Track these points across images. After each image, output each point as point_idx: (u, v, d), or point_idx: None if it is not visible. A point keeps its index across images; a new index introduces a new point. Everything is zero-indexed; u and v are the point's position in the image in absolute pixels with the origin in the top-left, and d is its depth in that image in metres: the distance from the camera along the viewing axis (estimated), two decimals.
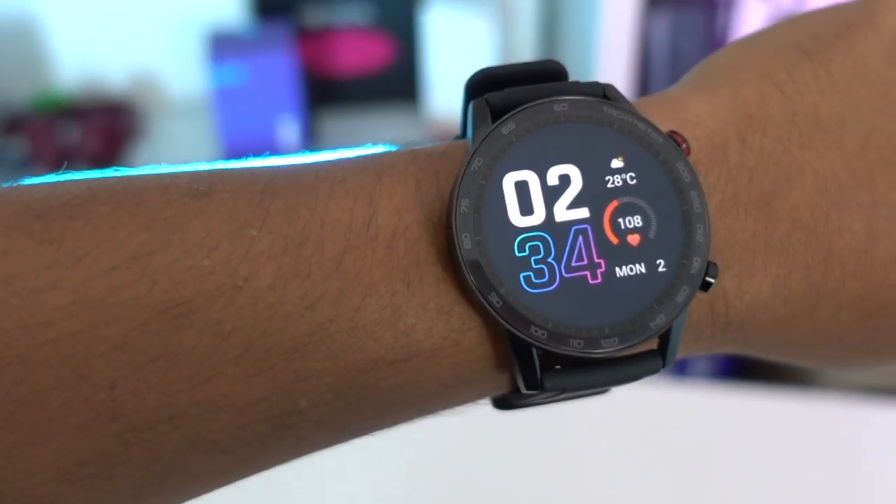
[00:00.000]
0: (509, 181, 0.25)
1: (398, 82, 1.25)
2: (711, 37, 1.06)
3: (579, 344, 0.24)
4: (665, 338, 0.25)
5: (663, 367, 0.25)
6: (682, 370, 1.27)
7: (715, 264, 0.25)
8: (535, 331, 0.24)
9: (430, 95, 1.19)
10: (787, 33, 0.29)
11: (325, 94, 1.25)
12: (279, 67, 1.14)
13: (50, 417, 0.22)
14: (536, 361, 0.24)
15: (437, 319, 0.24)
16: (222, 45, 1.15)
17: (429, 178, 0.25)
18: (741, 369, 1.29)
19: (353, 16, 1.22)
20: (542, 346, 0.24)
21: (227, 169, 0.25)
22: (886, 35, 0.28)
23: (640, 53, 1.03)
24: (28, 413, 0.22)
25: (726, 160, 0.27)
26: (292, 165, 0.26)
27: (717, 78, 0.28)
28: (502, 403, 0.28)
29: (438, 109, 1.19)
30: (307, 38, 1.22)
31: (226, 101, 1.14)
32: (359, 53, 1.23)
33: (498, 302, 0.24)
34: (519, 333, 0.24)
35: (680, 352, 0.26)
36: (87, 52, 1.25)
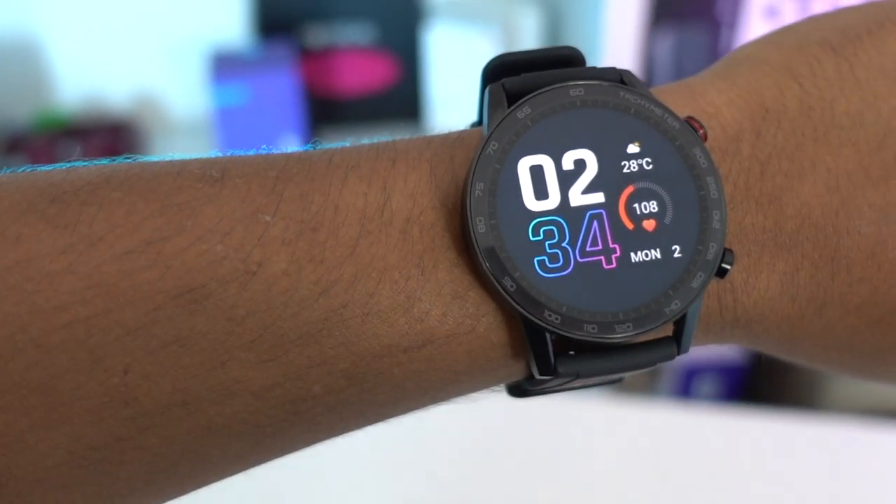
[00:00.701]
0: (524, 165, 0.25)
1: (400, 102, 1.25)
2: (715, 56, 1.07)
3: (593, 329, 0.24)
4: (680, 324, 0.25)
5: (678, 353, 0.25)
6: (686, 391, 1.26)
7: (731, 251, 0.25)
8: (549, 315, 0.24)
9: (433, 115, 1.20)
10: (816, 27, 0.29)
11: (328, 113, 1.25)
12: (281, 87, 1.14)
13: (63, 401, 0.22)
14: (550, 346, 0.24)
15: (452, 305, 0.24)
16: (224, 65, 1.15)
17: (443, 163, 0.26)
18: (745, 391, 1.28)
19: (354, 36, 1.22)
20: (556, 330, 0.24)
21: (240, 155, 0.25)
22: None
23: (643, 72, 1.03)
24: (41, 397, 0.22)
25: (739, 152, 0.26)
26: (306, 151, 0.26)
27: (738, 69, 0.28)
28: (516, 390, 0.28)
29: (441, 129, 1.19)
30: (309, 57, 1.22)
31: (227, 120, 1.14)
32: (361, 73, 1.24)
33: (512, 286, 0.24)
34: (532, 318, 0.24)
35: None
36: (88, 72, 1.25)
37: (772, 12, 1.05)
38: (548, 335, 0.24)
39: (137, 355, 0.22)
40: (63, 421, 0.22)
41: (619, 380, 0.27)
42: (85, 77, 1.25)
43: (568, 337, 0.24)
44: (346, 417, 0.25)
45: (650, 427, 0.80)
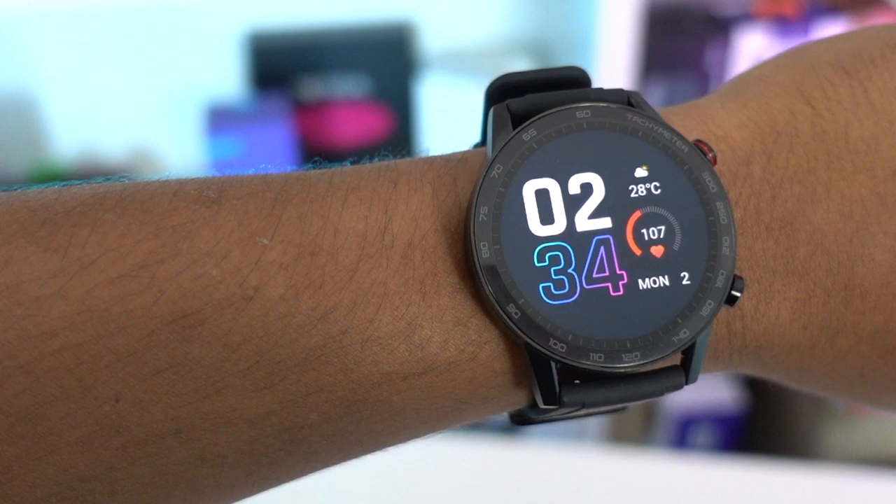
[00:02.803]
0: (529, 189, 0.24)
1: (394, 153, 1.25)
2: None
3: (599, 358, 0.23)
4: (688, 353, 0.24)
5: (686, 383, 0.25)
6: (681, 441, 1.25)
7: (741, 278, 0.24)
8: (554, 343, 0.23)
9: None
10: (828, 49, 0.28)
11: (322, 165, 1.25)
12: (276, 139, 1.14)
13: (51, 430, 0.21)
14: (555, 375, 0.24)
15: (454, 332, 0.23)
16: (219, 118, 1.15)
17: (446, 186, 0.25)
18: (741, 441, 1.27)
19: (348, 88, 1.23)
20: (561, 359, 0.23)
21: (238, 175, 0.25)
22: None
23: None
24: (29, 425, 0.21)
25: (749, 175, 0.26)
26: (305, 172, 0.25)
27: (749, 90, 0.27)
28: (519, 418, 0.27)
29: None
30: (304, 110, 1.23)
31: (223, 173, 1.13)
32: (355, 125, 1.24)
33: (516, 313, 0.23)
34: (537, 346, 0.23)
35: None
36: (84, 125, 1.25)
37: None
38: (553, 364, 0.23)
39: (129, 382, 0.22)
40: (52, 451, 0.21)
41: (624, 408, 0.26)
42: (80, 130, 1.25)
43: (573, 366, 0.23)
44: (344, 446, 0.24)
45: (645, 477, 0.79)
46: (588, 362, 0.23)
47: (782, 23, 1.08)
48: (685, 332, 0.24)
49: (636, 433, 1.30)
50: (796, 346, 0.26)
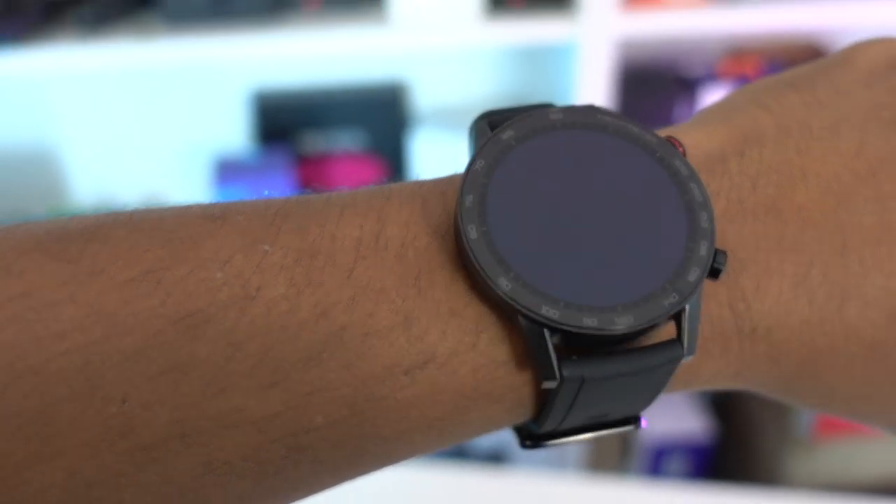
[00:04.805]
0: (512, 178, 0.24)
1: None
2: None
3: (593, 322, 0.23)
4: (682, 323, 0.24)
5: (685, 354, 0.24)
6: (655, 470, 1.25)
7: (723, 252, 0.24)
8: (547, 310, 0.22)
9: None
10: (769, 79, 0.29)
11: None
12: (280, 190, 1.15)
13: (59, 432, 0.20)
14: (551, 347, 0.23)
15: (450, 322, 0.23)
16: (227, 170, 1.15)
17: (435, 197, 0.25)
18: (712, 470, 1.27)
19: (347, 142, 1.24)
20: (555, 324, 0.22)
21: (240, 200, 0.25)
22: (861, 66, 0.29)
23: None
24: (37, 426, 0.20)
25: (727, 171, 0.26)
26: (304, 194, 0.25)
27: (709, 116, 0.28)
28: (528, 437, 0.26)
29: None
30: (305, 163, 1.23)
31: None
32: (352, 176, 1.24)
33: (507, 285, 0.23)
34: (530, 314, 0.22)
35: (711, 366, 0.25)
36: (101, 176, 1.26)
37: None
38: (547, 333, 0.23)
39: (136, 382, 0.21)
40: (59, 453, 0.21)
41: (637, 426, 0.26)
42: (98, 180, 1.26)
43: (568, 331, 0.23)
44: (350, 455, 0.23)
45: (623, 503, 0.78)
46: (582, 327, 0.23)
47: (744, 82, 1.11)
48: (675, 297, 0.23)
49: (613, 462, 1.30)
50: (806, 321, 0.25)
